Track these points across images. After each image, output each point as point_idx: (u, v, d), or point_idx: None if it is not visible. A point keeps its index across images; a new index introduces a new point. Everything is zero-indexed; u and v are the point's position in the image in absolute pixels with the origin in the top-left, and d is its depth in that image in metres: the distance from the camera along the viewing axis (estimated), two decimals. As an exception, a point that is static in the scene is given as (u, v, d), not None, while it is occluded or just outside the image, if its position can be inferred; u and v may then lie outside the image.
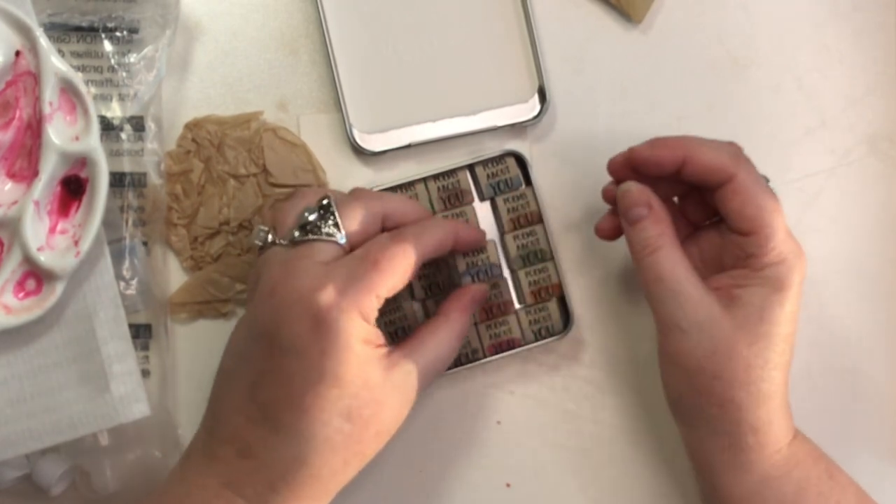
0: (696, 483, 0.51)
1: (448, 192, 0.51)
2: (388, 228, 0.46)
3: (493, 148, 0.53)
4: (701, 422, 0.46)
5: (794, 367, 0.54)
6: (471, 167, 0.52)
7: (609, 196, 0.48)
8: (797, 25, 0.55)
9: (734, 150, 0.46)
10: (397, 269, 0.43)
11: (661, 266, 0.45)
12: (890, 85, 0.55)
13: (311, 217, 0.44)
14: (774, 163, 0.54)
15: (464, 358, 0.51)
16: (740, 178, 0.45)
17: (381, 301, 0.43)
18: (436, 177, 0.52)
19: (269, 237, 0.45)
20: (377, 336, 0.43)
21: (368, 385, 0.42)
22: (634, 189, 0.46)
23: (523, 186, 0.52)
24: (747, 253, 0.45)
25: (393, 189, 0.51)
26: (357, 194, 0.46)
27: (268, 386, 0.42)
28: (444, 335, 0.46)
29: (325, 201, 0.44)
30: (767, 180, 0.47)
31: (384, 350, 0.43)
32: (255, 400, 0.42)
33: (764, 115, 0.55)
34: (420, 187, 0.51)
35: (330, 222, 0.44)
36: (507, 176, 0.52)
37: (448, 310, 0.47)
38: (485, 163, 0.52)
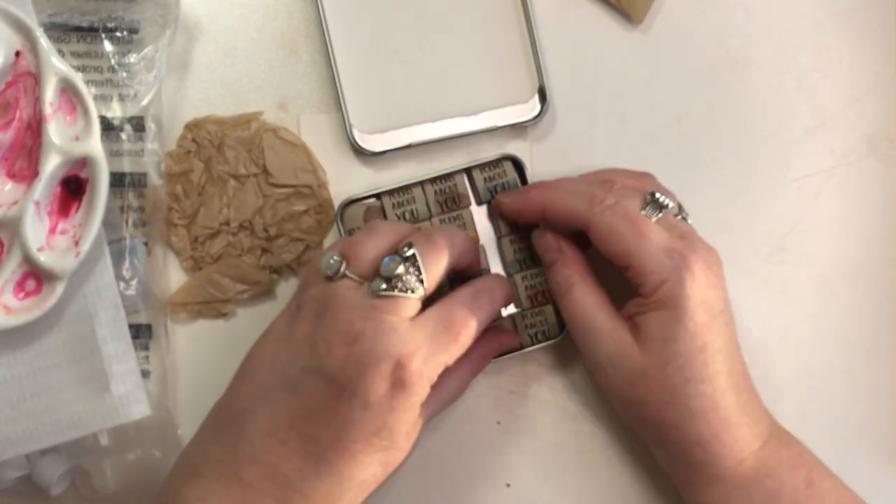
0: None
1: (445, 196, 0.51)
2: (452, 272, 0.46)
3: (493, 148, 0.53)
4: (653, 443, 0.48)
5: (795, 367, 0.54)
6: (468, 171, 0.52)
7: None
8: (797, 25, 0.55)
9: (592, 191, 0.46)
10: (472, 336, 0.44)
11: (573, 305, 0.47)
12: (890, 85, 0.55)
13: (398, 270, 0.43)
14: (774, 163, 0.55)
15: None
16: (594, 223, 0.45)
17: None
18: (433, 180, 0.52)
19: (343, 269, 0.44)
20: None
21: (410, 437, 0.44)
22: (548, 235, 0.49)
23: None
24: (633, 284, 0.46)
25: (390, 192, 0.51)
26: (438, 243, 0.45)
27: (319, 424, 0.42)
28: (462, 376, 0.48)
29: (409, 252, 0.43)
30: (654, 198, 0.46)
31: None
32: (296, 430, 0.42)
33: (764, 115, 0.55)
34: (417, 191, 0.51)
35: (414, 276, 0.43)
36: (505, 180, 0.52)
37: (473, 351, 0.46)
38: (482, 166, 0.52)
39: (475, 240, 0.51)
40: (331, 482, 0.42)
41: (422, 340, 0.42)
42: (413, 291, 0.43)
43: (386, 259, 0.43)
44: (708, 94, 0.54)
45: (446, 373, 0.44)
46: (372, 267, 0.44)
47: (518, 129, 0.53)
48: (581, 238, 0.48)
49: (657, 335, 0.44)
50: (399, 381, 0.41)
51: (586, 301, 0.47)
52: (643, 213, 0.46)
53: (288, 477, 0.42)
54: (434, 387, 0.44)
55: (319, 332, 0.43)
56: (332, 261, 0.44)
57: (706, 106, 0.54)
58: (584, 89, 0.54)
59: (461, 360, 0.45)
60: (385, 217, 0.51)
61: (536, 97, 0.53)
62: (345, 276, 0.44)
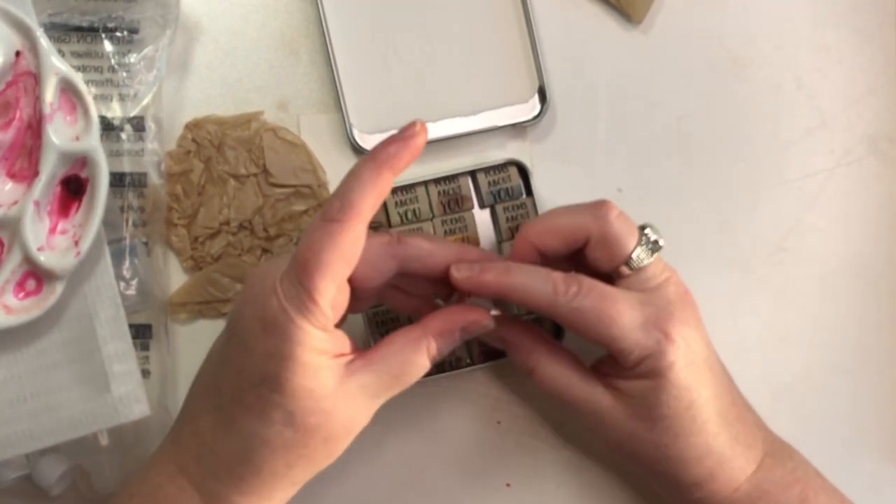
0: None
1: (448, 197, 0.51)
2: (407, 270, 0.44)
3: (493, 148, 0.53)
4: (648, 479, 0.48)
5: (795, 367, 0.54)
6: (473, 173, 0.52)
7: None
8: (797, 25, 0.55)
9: (556, 275, 0.43)
10: (331, 259, 0.40)
11: (541, 384, 0.46)
12: (890, 85, 0.55)
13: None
14: (774, 163, 0.55)
15: (447, 365, 0.51)
16: (561, 316, 0.43)
17: (338, 303, 0.41)
18: (437, 181, 0.52)
19: None
20: (336, 344, 0.41)
21: (315, 395, 0.40)
22: (488, 331, 0.45)
23: (524, 196, 0.52)
24: (612, 360, 0.44)
25: (393, 190, 0.51)
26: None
27: (220, 375, 0.42)
28: (410, 352, 0.43)
29: None
30: (649, 233, 0.44)
31: (343, 359, 0.42)
32: (212, 386, 0.43)
33: (764, 115, 0.55)
34: (421, 190, 0.51)
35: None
36: (509, 185, 0.52)
37: (430, 328, 0.44)
38: (487, 170, 0.52)
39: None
40: (234, 437, 0.41)
41: (282, 277, 0.40)
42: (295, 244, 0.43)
43: None
44: (708, 94, 0.54)
45: (391, 341, 0.43)
46: None
47: (518, 129, 0.53)
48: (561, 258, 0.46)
49: (640, 401, 0.44)
50: (267, 321, 0.40)
51: (553, 376, 0.46)
52: (636, 253, 0.44)
53: (204, 433, 0.42)
54: (371, 351, 0.42)
55: None
56: None
57: (706, 106, 0.54)
58: (584, 89, 0.54)
59: (414, 334, 0.43)
60: (387, 215, 0.51)
61: (536, 97, 0.53)
62: None
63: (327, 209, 0.40)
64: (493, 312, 0.45)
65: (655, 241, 0.44)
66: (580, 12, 0.54)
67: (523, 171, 0.52)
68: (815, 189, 0.55)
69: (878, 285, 0.55)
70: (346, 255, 0.40)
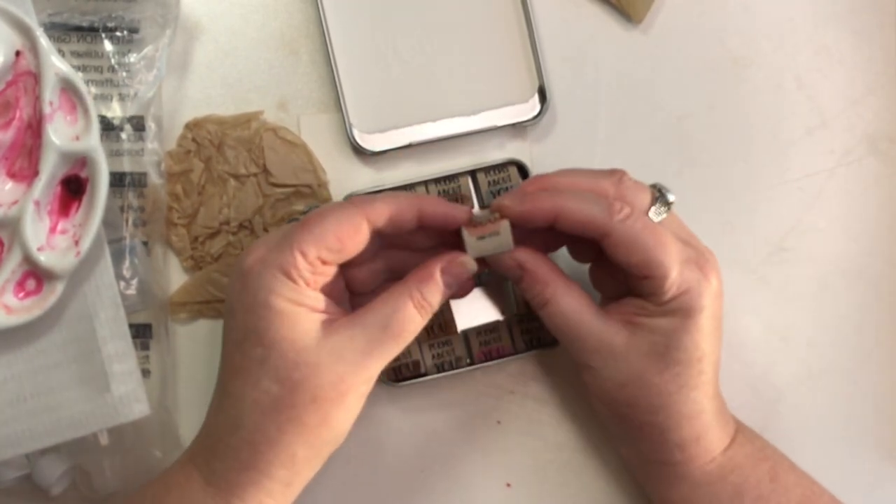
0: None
1: (448, 197, 0.51)
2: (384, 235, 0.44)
3: (493, 148, 0.53)
4: (628, 441, 0.48)
5: (794, 367, 0.54)
6: (472, 173, 0.52)
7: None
8: (797, 25, 0.55)
9: (610, 192, 0.44)
10: (327, 226, 0.41)
11: (553, 318, 0.45)
12: (890, 85, 0.55)
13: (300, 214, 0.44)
14: (774, 163, 0.55)
15: (447, 365, 0.51)
16: (615, 232, 0.43)
17: (316, 262, 0.41)
18: (437, 180, 0.52)
19: None
20: (315, 300, 0.42)
21: (297, 347, 0.40)
22: (504, 255, 0.45)
23: None
24: (647, 292, 0.44)
25: (393, 189, 0.51)
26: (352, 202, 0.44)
27: (222, 347, 0.43)
28: (398, 304, 0.42)
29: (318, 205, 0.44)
30: (663, 192, 0.45)
31: (324, 315, 0.42)
32: (220, 366, 0.44)
33: (764, 115, 0.55)
34: (421, 190, 0.51)
35: (304, 215, 0.44)
36: (509, 184, 0.52)
37: (410, 278, 0.44)
38: (487, 169, 0.52)
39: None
40: (226, 406, 0.42)
41: (269, 238, 0.43)
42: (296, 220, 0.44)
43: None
44: (708, 94, 0.54)
45: (376, 298, 0.43)
46: None
47: (518, 128, 0.53)
48: (548, 235, 0.46)
49: (663, 340, 0.44)
50: (243, 277, 0.42)
51: (567, 310, 0.45)
52: (653, 209, 0.45)
53: (208, 416, 0.44)
54: (359, 311, 0.42)
55: None
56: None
57: (706, 106, 0.54)
58: (584, 89, 0.54)
59: (396, 286, 0.43)
60: None
61: (536, 97, 0.53)
62: None
63: (350, 197, 0.43)
64: (511, 248, 0.45)
65: (667, 198, 0.45)
66: (580, 12, 0.54)
67: (523, 171, 0.52)
68: (815, 189, 0.55)
69: (878, 285, 0.55)
70: (341, 233, 0.42)
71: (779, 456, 0.47)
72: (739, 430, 0.47)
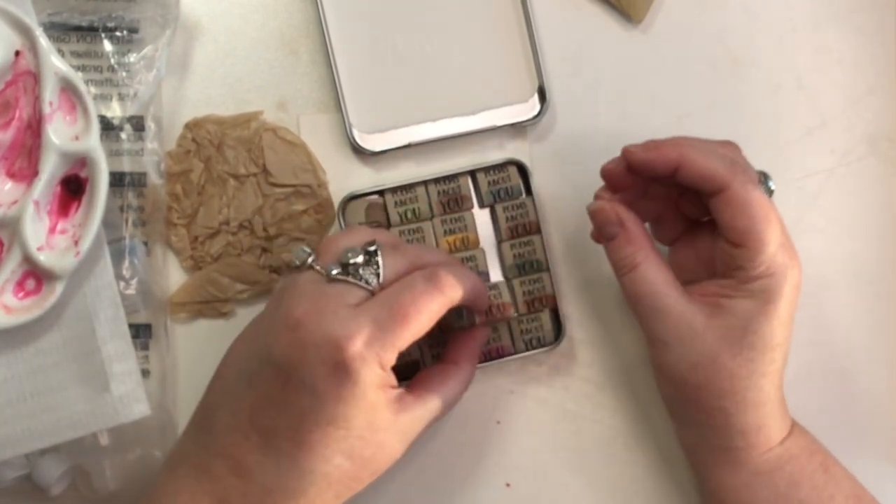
0: (693, 476, 0.51)
1: (448, 197, 0.51)
2: None
3: (492, 148, 0.53)
4: (691, 424, 0.48)
5: (794, 367, 0.54)
6: (472, 173, 0.52)
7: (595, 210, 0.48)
8: (797, 25, 0.55)
9: (731, 155, 0.45)
10: (424, 322, 0.42)
11: (638, 284, 0.45)
12: (890, 85, 0.55)
13: (355, 259, 0.43)
14: (774, 163, 0.54)
15: None
16: (733, 189, 0.44)
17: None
18: (437, 180, 0.52)
19: (310, 260, 0.44)
20: (390, 379, 0.43)
21: (374, 427, 0.42)
22: (606, 207, 0.47)
23: (523, 196, 0.52)
24: (736, 264, 0.44)
25: (393, 190, 0.51)
26: (402, 247, 0.45)
27: (274, 415, 0.42)
28: (454, 384, 0.46)
29: (372, 248, 0.43)
30: (766, 178, 0.47)
31: (395, 393, 0.43)
32: (255, 423, 0.42)
33: (764, 115, 0.55)
34: (420, 190, 0.51)
35: (371, 270, 0.43)
36: (508, 184, 0.52)
37: (458, 357, 0.47)
38: (487, 169, 0.52)
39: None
40: (291, 475, 0.42)
41: (364, 323, 0.41)
42: (367, 283, 0.43)
43: (347, 248, 0.43)
44: (708, 94, 0.54)
45: (431, 376, 0.45)
46: (338, 261, 0.44)
47: (518, 128, 0.53)
48: (641, 207, 0.47)
49: (741, 324, 0.44)
50: (340, 366, 0.41)
51: (655, 279, 0.45)
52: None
53: (252, 471, 0.42)
54: (418, 387, 0.44)
55: (272, 320, 0.43)
56: (301, 252, 0.44)
57: (706, 106, 0.54)
58: (584, 89, 0.54)
59: (448, 367, 0.47)
60: (387, 214, 0.51)
61: (536, 97, 0.53)
62: (310, 267, 0.44)
63: (436, 277, 0.43)
64: (602, 201, 0.47)
65: (770, 185, 0.46)
66: (580, 12, 0.54)
67: (523, 171, 0.52)
68: (815, 189, 0.55)
69: (878, 285, 0.55)
70: (431, 324, 0.43)
71: (826, 450, 0.48)
72: (794, 424, 0.48)
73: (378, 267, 0.43)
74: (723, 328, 0.44)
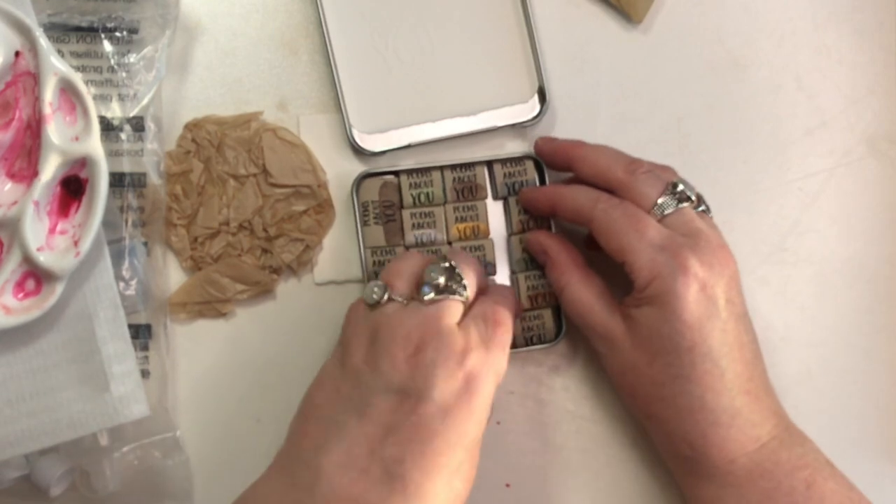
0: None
1: (463, 185, 0.52)
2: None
3: (493, 148, 0.53)
4: (646, 432, 0.49)
5: (795, 367, 0.54)
6: (489, 164, 0.52)
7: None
8: (797, 25, 0.55)
9: (616, 182, 0.47)
10: (511, 327, 0.45)
11: (568, 304, 0.49)
12: (890, 85, 0.55)
13: (441, 279, 0.44)
14: (774, 163, 0.55)
15: None
16: (595, 221, 0.47)
17: None
18: (453, 167, 0.52)
19: (385, 294, 0.44)
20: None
21: (478, 441, 0.43)
22: (531, 237, 0.51)
23: None
24: (629, 279, 0.46)
25: (409, 171, 0.51)
26: (461, 257, 0.46)
27: (401, 442, 0.40)
28: None
29: (447, 264, 0.45)
30: (673, 188, 0.47)
31: None
32: (378, 455, 0.40)
33: (764, 115, 0.55)
34: (436, 174, 0.51)
35: (456, 282, 0.44)
36: (524, 178, 0.52)
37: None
38: (504, 161, 0.52)
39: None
40: (414, 496, 0.40)
41: (476, 338, 0.43)
42: (460, 295, 0.44)
43: (428, 269, 0.44)
44: (708, 94, 0.54)
45: None
46: (413, 286, 0.45)
47: (518, 129, 0.53)
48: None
49: (645, 330, 0.45)
50: (469, 380, 0.42)
51: (580, 298, 0.48)
52: (660, 201, 0.46)
53: (425, 496, 0.41)
54: None
55: (378, 352, 0.42)
56: (375, 289, 0.44)
57: (706, 106, 0.54)
58: (584, 89, 0.54)
59: None
60: (400, 195, 0.51)
61: (536, 97, 0.53)
62: (390, 299, 0.44)
63: (501, 306, 0.45)
64: (534, 232, 0.51)
65: (682, 191, 0.47)
66: (580, 12, 0.54)
67: (539, 167, 0.52)
68: (815, 189, 0.55)
69: (878, 285, 0.55)
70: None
71: (821, 463, 0.46)
72: (777, 437, 0.46)
73: (462, 278, 0.44)
74: (636, 337, 0.46)
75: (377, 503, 0.40)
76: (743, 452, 0.45)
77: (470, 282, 0.45)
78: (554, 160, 0.51)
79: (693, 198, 0.47)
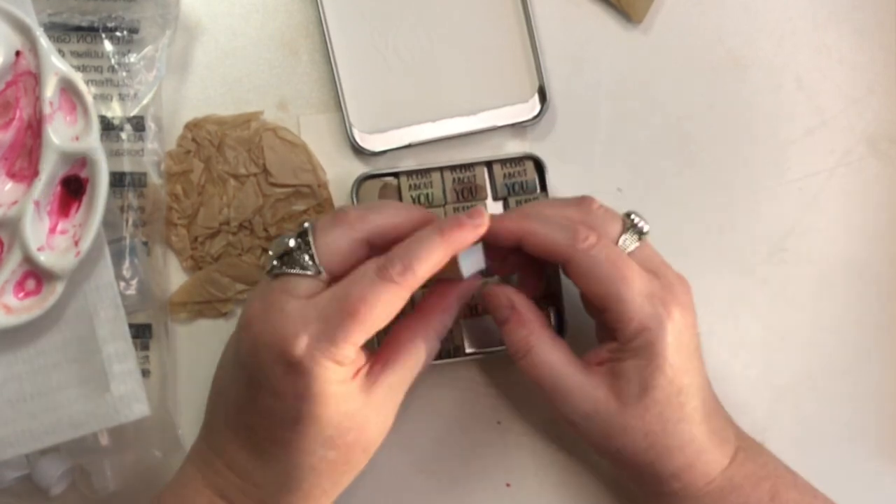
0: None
1: (463, 185, 0.51)
2: (380, 247, 0.43)
3: (492, 148, 0.53)
4: (624, 473, 0.47)
5: (795, 367, 0.54)
6: (489, 164, 0.52)
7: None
8: (797, 25, 0.55)
9: (577, 217, 0.44)
10: (378, 316, 0.40)
11: (536, 367, 0.44)
12: (890, 85, 0.55)
13: (291, 244, 0.41)
14: (774, 163, 0.55)
15: (445, 353, 0.51)
16: (576, 259, 0.43)
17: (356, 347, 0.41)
18: (453, 168, 0.52)
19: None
20: (351, 367, 0.41)
21: (349, 415, 0.41)
22: (497, 290, 0.46)
23: (538, 191, 0.52)
24: (610, 326, 0.44)
25: (409, 173, 0.51)
26: (341, 217, 0.43)
27: (250, 413, 0.42)
28: (421, 341, 0.44)
29: (304, 225, 0.42)
30: (634, 222, 0.44)
31: (362, 374, 0.42)
32: (241, 421, 0.43)
33: (764, 115, 0.55)
34: (436, 176, 0.51)
35: (306, 254, 0.42)
36: (524, 178, 0.52)
37: (427, 310, 0.45)
38: (503, 162, 0.52)
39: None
40: (278, 472, 0.42)
41: (311, 319, 0.40)
42: (302, 269, 0.41)
43: (284, 237, 0.42)
44: (708, 94, 0.54)
45: (397, 336, 0.44)
46: (275, 253, 0.42)
47: (518, 128, 0.53)
48: (535, 261, 0.46)
49: (636, 384, 0.43)
50: (292, 366, 0.40)
51: (550, 360, 0.44)
52: (623, 238, 0.44)
53: (244, 467, 0.43)
54: (385, 353, 0.43)
55: (238, 325, 0.43)
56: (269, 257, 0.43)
57: (706, 106, 0.54)
58: (584, 89, 0.54)
59: (415, 321, 0.44)
60: (400, 196, 0.51)
61: (536, 97, 0.53)
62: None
63: (385, 267, 0.40)
64: (496, 285, 0.47)
65: (640, 227, 0.44)
66: (580, 12, 0.54)
67: (540, 167, 0.52)
68: (815, 189, 0.55)
69: (877, 285, 0.55)
70: (391, 314, 0.41)
71: (782, 471, 0.46)
72: (741, 448, 0.46)
73: (310, 247, 0.41)
74: (624, 394, 0.43)
75: (244, 463, 0.42)
76: (719, 470, 0.45)
77: (326, 252, 0.41)
78: (497, 239, 0.44)
79: (646, 229, 0.44)
